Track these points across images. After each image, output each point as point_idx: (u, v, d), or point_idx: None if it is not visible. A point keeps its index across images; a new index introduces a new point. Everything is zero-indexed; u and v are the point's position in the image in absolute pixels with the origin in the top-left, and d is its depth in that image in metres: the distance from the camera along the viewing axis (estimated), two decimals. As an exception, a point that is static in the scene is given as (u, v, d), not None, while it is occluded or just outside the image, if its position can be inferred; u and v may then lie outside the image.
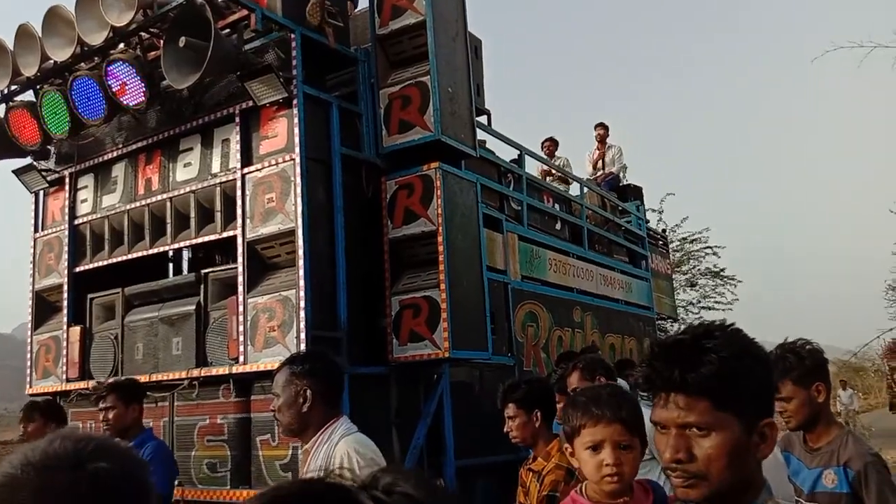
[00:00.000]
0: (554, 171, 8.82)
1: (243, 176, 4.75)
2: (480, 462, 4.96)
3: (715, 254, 18.85)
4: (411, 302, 4.84)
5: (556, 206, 7.55)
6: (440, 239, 4.79)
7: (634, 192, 10.16)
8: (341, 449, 2.45)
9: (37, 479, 0.82)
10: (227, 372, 4.55)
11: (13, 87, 5.35)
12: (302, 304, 4.36)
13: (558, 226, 7.43)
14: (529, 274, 6.37)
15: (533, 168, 8.14)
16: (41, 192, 6.03)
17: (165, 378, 4.80)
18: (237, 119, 4.85)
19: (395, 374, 4.87)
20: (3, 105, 5.44)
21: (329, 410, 2.61)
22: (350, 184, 4.92)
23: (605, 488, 1.93)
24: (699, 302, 19.04)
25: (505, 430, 3.14)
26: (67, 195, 5.78)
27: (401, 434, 4.74)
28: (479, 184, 5.41)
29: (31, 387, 5.75)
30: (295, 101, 4.57)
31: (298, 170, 4.51)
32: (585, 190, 8.35)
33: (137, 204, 5.33)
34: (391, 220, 5.01)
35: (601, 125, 10.52)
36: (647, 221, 10.48)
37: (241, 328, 4.54)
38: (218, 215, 4.91)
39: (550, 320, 6.47)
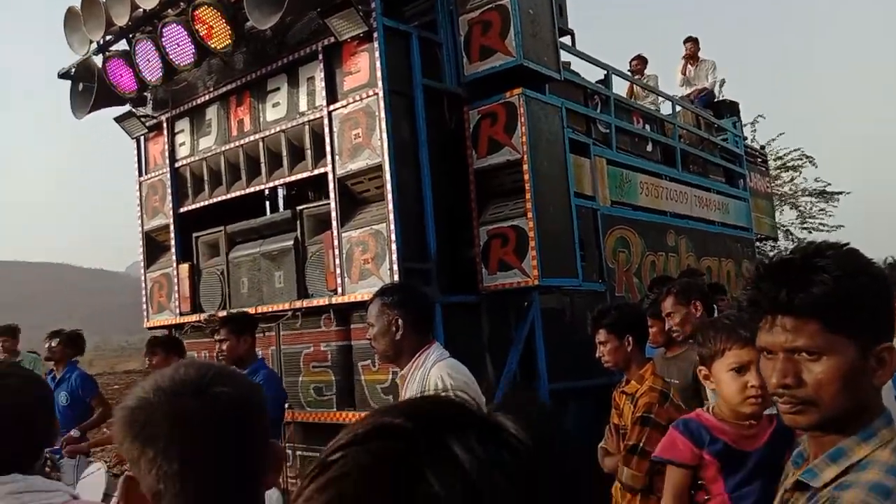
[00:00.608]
0: (643, 91, 8.49)
1: (329, 113, 4.83)
2: (573, 386, 5.03)
3: (813, 163, 17.81)
4: (499, 231, 4.86)
5: (647, 126, 7.30)
6: (525, 167, 4.76)
7: (730, 108, 9.67)
8: (435, 374, 2.55)
9: (167, 403, 0.92)
10: (326, 303, 4.76)
11: (108, 38, 5.58)
12: (393, 236, 4.46)
13: (649, 147, 7.19)
14: (619, 199, 6.24)
15: (621, 89, 7.86)
16: (142, 138, 6.34)
17: (270, 310, 5.07)
18: (320, 56, 4.90)
19: (486, 302, 4.95)
20: (101, 56, 5.69)
21: (421, 338, 2.71)
22: (433, 115, 4.91)
23: (745, 410, 1.96)
24: (802, 222, 18.20)
25: (597, 355, 3.16)
26: (166, 139, 6.05)
27: (494, 360, 4.85)
28: (564, 108, 5.29)
29: (148, 321, 6.20)
30: (375, 35, 4.57)
31: (382, 104, 4.54)
32: (678, 108, 8.01)
33: (232, 145, 5.53)
34: (475, 151, 5.00)
35: (691, 39, 9.96)
36: (745, 138, 9.99)
37: (337, 261, 4.71)
38: (308, 153, 5.04)
39: (642, 245, 6.36)
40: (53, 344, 5.47)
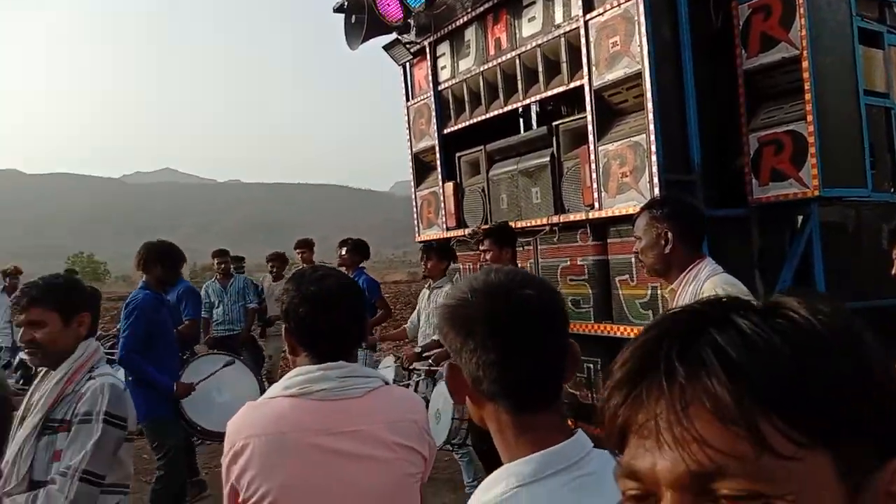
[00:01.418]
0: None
1: (586, 23, 4.73)
2: (859, 305, 4.58)
3: None
4: (772, 138, 4.48)
5: (962, 4, 6.11)
6: (805, 64, 4.27)
7: None
8: (708, 288, 2.50)
9: (482, 302, 1.05)
10: (583, 218, 4.81)
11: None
12: (653, 148, 4.33)
13: (963, 29, 6.03)
14: (921, 94, 5.37)
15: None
16: (407, 64, 6.75)
17: (528, 225, 5.25)
18: (577, -37, 4.78)
19: (756, 215, 4.64)
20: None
21: (691, 251, 2.66)
22: (696, 14, 4.58)
23: None
24: None
25: (893, 272, 2.85)
26: (429, 64, 6.38)
27: (764, 277, 4.57)
28: (853, -8, 4.62)
29: (419, 235, 6.75)
30: (634, -68, 4.33)
31: (642, 8, 4.33)
32: None
33: (489, 65, 5.68)
34: (745, 50, 4.59)
35: None
36: None
37: (593, 176, 4.71)
38: (564, 66, 5.01)
39: (951, 147, 5.45)
40: (344, 252, 6.22)
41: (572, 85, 4.96)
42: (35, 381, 2.47)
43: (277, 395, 1.72)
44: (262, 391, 6.28)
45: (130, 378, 4.49)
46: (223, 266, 8.02)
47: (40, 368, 2.50)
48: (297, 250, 8.01)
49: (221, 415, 4.50)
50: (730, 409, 0.49)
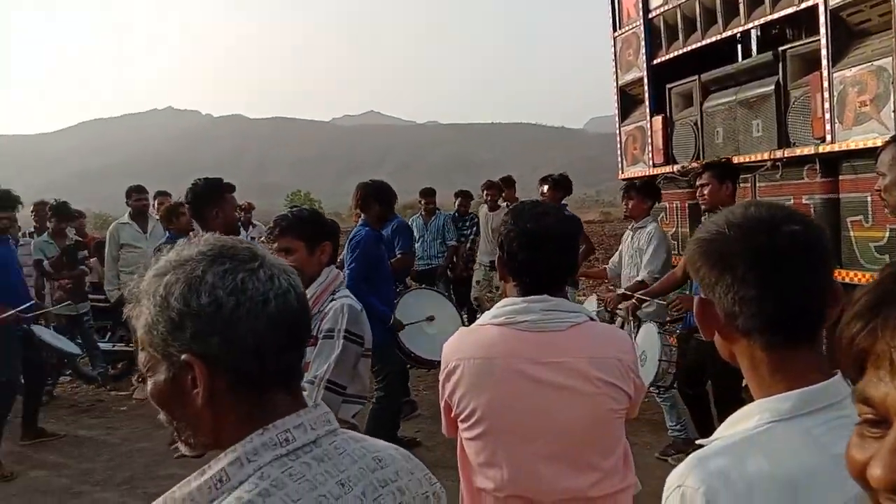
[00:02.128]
0: None
1: (824, -67, 4.24)
2: None
3: None
4: None
5: None
6: None
7: None
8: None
9: (742, 238, 1.03)
10: (812, 152, 4.42)
11: None
12: (900, 72, 3.85)
13: None
14: None
15: None
16: (617, -7, 6.47)
17: (747, 160, 4.92)
18: None
19: None
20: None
21: (947, 189, 2.37)
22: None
23: None
24: None
25: None
26: (641, -10, 6.07)
27: None
28: None
29: (622, 172, 6.58)
30: None
31: None
32: None
33: (708, -13, 5.30)
34: None
35: None
36: None
37: (826, 105, 4.29)
38: (794, -15, 4.56)
39: None
40: (546, 189, 6.24)
41: (804, 5, 4.50)
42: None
43: (487, 323, 1.83)
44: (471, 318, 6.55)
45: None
46: (429, 204, 8.39)
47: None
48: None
49: (431, 344, 4.82)
50: None
